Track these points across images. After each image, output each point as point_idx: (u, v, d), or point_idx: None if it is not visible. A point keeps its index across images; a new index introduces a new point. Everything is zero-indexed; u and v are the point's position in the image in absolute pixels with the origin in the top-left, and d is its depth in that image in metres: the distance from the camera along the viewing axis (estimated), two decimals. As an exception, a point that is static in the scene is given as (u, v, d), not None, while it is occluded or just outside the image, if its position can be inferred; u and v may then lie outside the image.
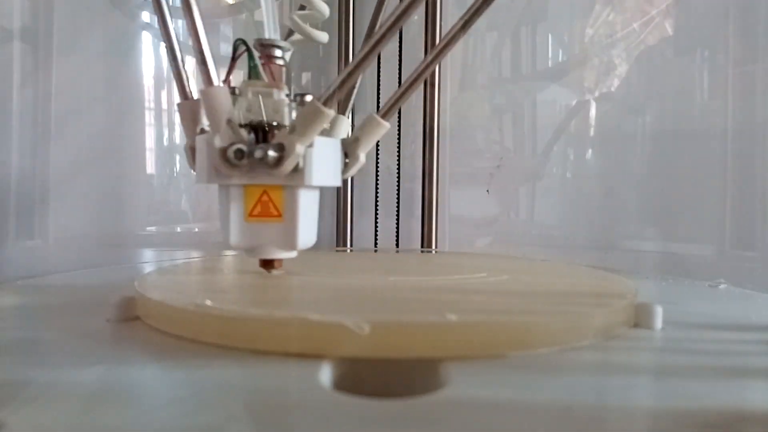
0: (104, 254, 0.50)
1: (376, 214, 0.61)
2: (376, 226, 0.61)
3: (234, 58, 0.31)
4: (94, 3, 0.51)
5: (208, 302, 0.25)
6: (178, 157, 0.58)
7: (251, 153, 0.28)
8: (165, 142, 0.56)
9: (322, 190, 0.32)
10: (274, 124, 0.29)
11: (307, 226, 0.31)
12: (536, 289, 0.32)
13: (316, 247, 0.32)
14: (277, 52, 0.31)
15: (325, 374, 0.21)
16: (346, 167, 0.33)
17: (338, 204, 0.61)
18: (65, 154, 0.47)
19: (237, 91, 0.31)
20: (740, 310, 0.34)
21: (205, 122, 0.33)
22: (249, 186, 0.30)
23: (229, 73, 0.31)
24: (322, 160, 0.30)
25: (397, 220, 0.61)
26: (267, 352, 0.23)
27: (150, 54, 0.55)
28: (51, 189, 0.46)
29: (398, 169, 0.61)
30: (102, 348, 0.25)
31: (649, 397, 0.20)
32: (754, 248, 0.47)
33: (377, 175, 0.61)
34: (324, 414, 0.18)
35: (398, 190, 0.61)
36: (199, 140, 0.30)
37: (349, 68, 0.29)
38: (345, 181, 0.60)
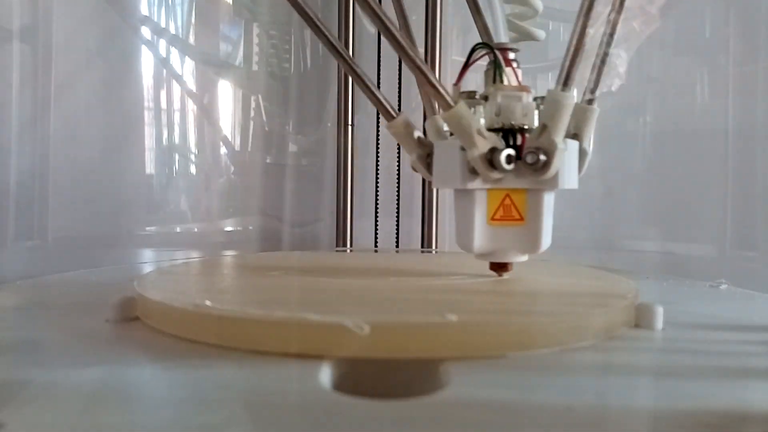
0: (103, 254, 0.50)
1: (376, 214, 0.61)
2: (376, 226, 0.61)
3: (468, 63, 0.31)
4: (94, 2, 0.51)
5: (208, 302, 0.25)
6: (177, 157, 0.58)
7: (519, 157, 0.28)
8: (164, 142, 0.56)
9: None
10: (525, 127, 0.29)
11: (548, 229, 0.31)
12: (536, 289, 0.32)
13: (315, 247, 0.32)
14: (512, 55, 0.31)
15: (325, 375, 0.21)
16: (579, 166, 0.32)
17: (338, 204, 0.61)
18: (65, 154, 0.47)
19: (477, 96, 0.30)
20: (741, 311, 0.34)
21: (417, 133, 0.33)
22: (492, 190, 0.30)
23: (460, 77, 0.31)
24: (571, 162, 0.30)
25: (397, 220, 0.61)
26: (266, 353, 0.23)
27: (149, 54, 0.55)
28: (50, 189, 0.46)
29: (398, 169, 0.61)
30: (101, 348, 0.24)
31: (650, 398, 0.20)
32: (755, 248, 0.47)
33: (377, 175, 0.61)
34: (324, 414, 0.18)
35: (398, 190, 0.61)
36: (443, 146, 0.30)
37: (572, 48, 0.28)
38: (344, 181, 0.60)
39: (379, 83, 0.60)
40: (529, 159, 0.28)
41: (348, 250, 0.59)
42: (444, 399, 0.19)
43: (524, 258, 0.31)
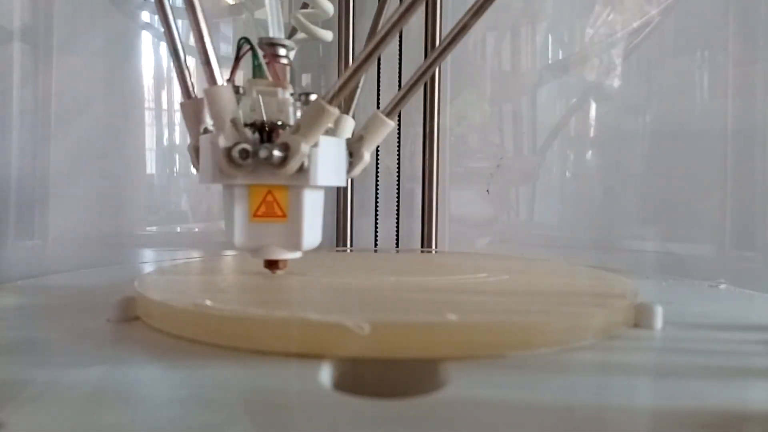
0: (104, 254, 0.50)
1: (376, 214, 0.61)
2: (376, 226, 0.61)
3: (238, 57, 0.31)
4: (94, 2, 0.51)
5: (208, 302, 0.25)
6: (177, 157, 0.58)
7: (256, 153, 0.28)
8: (165, 142, 0.56)
9: (325, 189, 0.32)
10: (279, 123, 0.29)
11: (312, 227, 0.30)
12: (536, 289, 0.32)
13: (316, 247, 0.32)
14: (282, 51, 0.31)
15: (326, 374, 0.21)
16: (350, 166, 0.33)
17: (338, 204, 0.61)
18: (65, 154, 0.47)
19: (241, 90, 0.30)
20: (740, 310, 0.34)
21: (208, 122, 0.33)
22: (253, 186, 0.29)
23: (233, 72, 0.31)
24: (327, 160, 0.29)
25: (397, 220, 0.61)
26: (267, 352, 0.23)
27: (150, 53, 0.55)
28: (51, 189, 0.46)
29: (398, 169, 0.61)
30: (102, 348, 0.25)
31: (649, 397, 0.20)
32: (754, 248, 0.47)
33: (377, 176, 0.61)
34: (324, 414, 0.18)
35: (398, 190, 0.61)
36: (203, 140, 0.30)
37: (353, 67, 0.28)
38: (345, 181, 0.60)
39: (378, 84, 0.60)
40: (262, 154, 0.28)
41: (348, 250, 0.59)
42: (444, 398, 0.19)
43: (293, 255, 0.31)
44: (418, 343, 0.22)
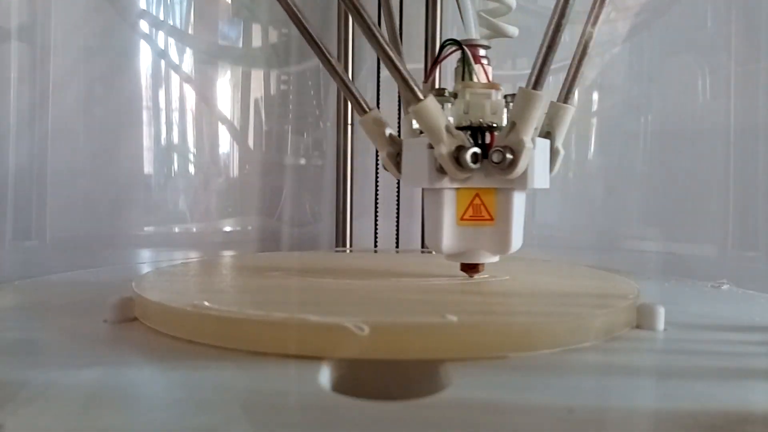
0: (102, 255, 0.50)
1: (376, 214, 0.61)
2: (375, 226, 0.61)
3: (438, 60, 0.30)
4: (92, 1, 0.50)
5: (206, 303, 0.25)
6: (176, 157, 0.58)
7: (485, 156, 0.28)
8: (163, 142, 0.56)
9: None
10: (494, 125, 0.29)
11: (518, 230, 0.30)
12: (537, 290, 0.32)
13: (315, 248, 0.32)
14: (482, 52, 0.31)
15: (325, 376, 0.21)
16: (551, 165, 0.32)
17: (338, 204, 0.61)
18: (62, 154, 0.47)
19: (446, 93, 0.30)
20: (743, 311, 0.34)
21: (389, 131, 0.33)
22: (461, 190, 0.29)
23: (430, 74, 0.31)
24: (541, 161, 0.29)
25: (397, 220, 0.61)
26: (266, 354, 0.22)
27: (147, 53, 0.55)
28: (48, 189, 0.46)
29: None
30: (100, 349, 0.24)
31: (651, 399, 0.20)
32: (757, 248, 0.47)
33: (377, 176, 0.61)
34: (323, 416, 0.18)
35: (398, 190, 0.61)
36: (414, 144, 0.30)
37: (546, 46, 0.28)
38: (344, 181, 0.60)
39: (378, 85, 0.60)
40: (495, 157, 0.27)
41: (348, 251, 0.59)
42: (444, 400, 0.19)
43: (495, 259, 0.31)
44: (418, 344, 0.22)
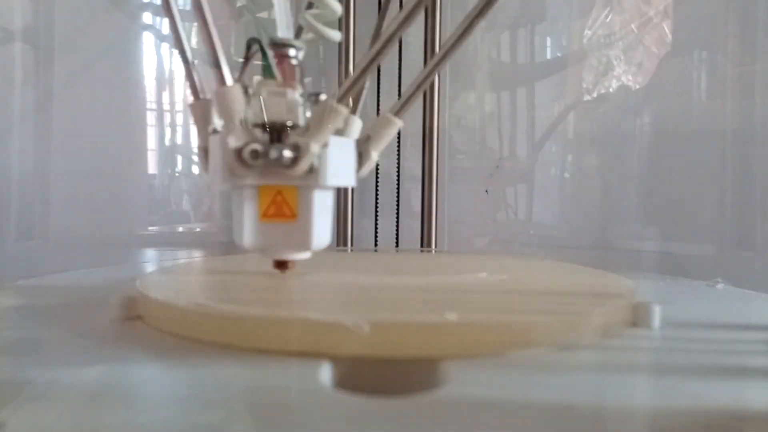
0: (105, 254, 0.50)
1: (376, 213, 0.61)
2: (375, 226, 0.62)
3: (247, 58, 0.30)
4: (95, 3, 0.51)
5: (210, 302, 0.25)
6: (179, 157, 0.58)
7: (266, 153, 0.28)
8: (166, 142, 0.56)
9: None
10: (289, 124, 0.29)
11: (322, 227, 0.30)
12: (535, 289, 0.32)
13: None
14: (291, 52, 0.31)
15: (326, 373, 0.21)
16: (359, 167, 0.32)
17: (338, 204, 0.61)
18: (66, 154, 0.48)
19: (250, 91, 0.30)
20: (739, 310, 0.34)
21: (217, 123, 0.32)
22: (263, 186, 0.29)
23: (241, 72, 0.31)
24: (337, 160, 0.29)
25: (397, 219, 0.62)
26: (268, 352, 0.23)
27: (151, 54, 0.56)
28: (52, 189, 0.46)
29: (398, 169, 0.61)
30: (103, 347, 0.25)
31: (648, 397, 0.20)
32: (753, 248, 0.47)
33: (377, 175, 0.61)
34: (324, 413, 0.18)
35: (398, 190, 0.61)
36: (213, 141, 0.30)
37: (362, 66, 0.28)
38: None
39: (379, 85, 0.61)
40: (273, 154, 0.28)
41: (348, 250, 0.59)
42: (443, 397, 0.19)
43: (302, 256, 0.31)
44: (418, 342, 0.22)
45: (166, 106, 0.56)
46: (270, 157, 0.28)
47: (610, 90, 0.56)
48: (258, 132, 0.29)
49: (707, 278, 0.40)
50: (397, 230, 0.62)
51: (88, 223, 0.49)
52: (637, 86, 0.56)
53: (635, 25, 0.54)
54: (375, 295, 0.29)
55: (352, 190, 0.61)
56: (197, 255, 0.57)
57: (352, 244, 0.61)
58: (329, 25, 0.35)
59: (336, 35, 0.36)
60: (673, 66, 0.52)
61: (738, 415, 0.19)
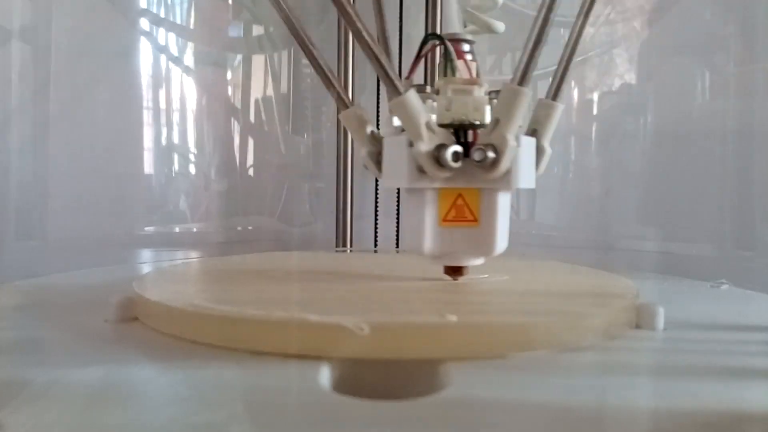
0: (103, 254, 0.50)
1: (376, 214, 0.61)
2: (375, 226, 0.61)
3: (420, 55, 0.29)
4: (93, 2, 0.51)
5: (207, 303, 0.25)
6: (176, 157, 0.58)
7: (466, 155, 0.27)
8: (164, 142, 0.56)
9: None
10: (476, 123, 0.28)
11: (503, 231, 0.29)
12: (537, 290, 0.32)
13: (315, 248, 0.32)
14: (466, 47, 0.30)
15: (325, 375, 0.21)
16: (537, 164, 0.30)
17: (338, 204, 0.61)
18: (64, 154, 0.47)
19: (427, 89, 0.29)
20: (742, 311, 0.34)
21: (371, 128, 0.31)
22: (444, 189, 0.28)
23: (412, 70, 0.30)
24: (526, 160, 0.28)
25: (397, 220, 0.61)
26: (266, 353, 0.23)
27: (148, 53, 0.55)
28: (50, 189, 0.46)
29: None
30: (101, 348, 0.24)
31: (651, 398, 0.20)
32: (755, 248, 0.47)
33: (377, 176, 0.61)
34: (323, 415, 0.18)
35: (398, 190, 0.61)
36: (395, 142, 0.28)
37: (533, 42, 0.27)
38: (344, 181, 0.60)
39: (378, 86, 0.60)
40: (477, 156, 0.26)
41: (348, 251, 0.59)
42: (444, 399, 0.19)
43: (479, 261, 0.30)
44: (418, 343, 0.22)
45: (162, 105, 0.56)
46: (474, 158, 0.26)
47: (612, 89, 0.56)
48: (443, 132, 0.27)
49: (709, 278, 0.40)
50: (398, 230, 0.61)
51: (87, 224, 0.49)
52: (639, 84, 0.55)
53: (637, 24, 0.54)
54: (375, 296, 0.29)
55: (352, 189, 0.61)
56: (195, 256, 0.57)
57: (351, 245, 0.61)
58: (491, 16, 0.33)
59: (501, 26, 0.34)
60: (674, 65, 0.52)
61: (741, 417, 0.18)
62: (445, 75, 0.29)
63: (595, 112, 0.58)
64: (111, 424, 0.17)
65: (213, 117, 0.60)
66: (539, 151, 0.30)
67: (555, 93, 0.30)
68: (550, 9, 0.27)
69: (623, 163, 0.56)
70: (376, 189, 0.61)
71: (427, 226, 0.28)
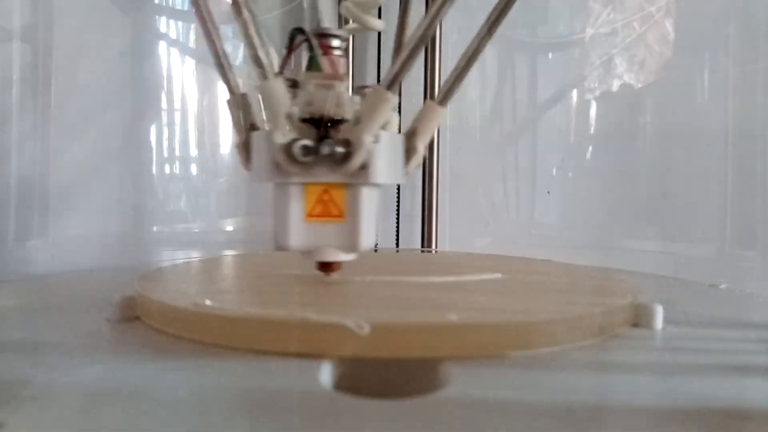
0: (104, 254, 0.50)
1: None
2: (375, 226, 0.61)
3: (290, 49, 0.29)
4: (95, 2, 0.51)
5: (208, 302, 0.25)
6: (178, 157, 0.58)
7: (317, 149, 0.27)
8: (165, 142, 0.56)
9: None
10: (337, 118, 0.28)
11: (369, 227, 0.29)
12: (536, 289, 0.32)
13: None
14: (335, 42, 0.30)
15: (326, 374, 0.21)
16: (406, 162, 0.31)
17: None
18: (65, 154, 0.47)
19: (297, 84, 0.29)
20: (740, 310, 0.34)
21: (255, 119, 0.31)
22: (309, 184, 0.28)
23: (284, 64, 0.29)
24: (387, 156, 0.28)
25: (397, 220, 0.61)
26: (267, 352, 0.23)
27: (151, 53, 0.55)
28: (51, 189, 0.46)
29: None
30: (102, 348, 0.25)
31: (650, 397, 0.20)
32: (755, 248, 0.47)
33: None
34: (324, 414, 0.18)
35: (398, 189, 0.61)
36: (257, 136, 0.28)
37: (407, 51, 0.27)
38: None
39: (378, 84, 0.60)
40: (325, 150, 0.26)
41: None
42: (444, 398, 0.19)
43: (349, 257, 0.30)
44: (419, 343, 0.22)
45: (164, 105, 0.56)
46: (321, 153, 0.26)
47: (612, 89, 0.56)
48: (305, 127, 0.27)
49: (709, 278, 0.40)
50: (398, 230, 0.62)
51: (87, 224, 0.49)
52: (639, 85, 0.56)
53: (637, 23, 0.54)
54: (375, 295, 0.29)
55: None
56: (196, 255, 0.57)
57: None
58: (371, 14, 0.33)
59: (379, 24, 0.34)
60: (675, 65, 0.52)
61: (739, 415, 0.18)
62: (310, 69, 0.29)
63: (594, 111, 0.58)
64: (111, 424, 0.17)
65: (215, 116, 0.60)
66: (412, 150, 0.30)
67: (443, 97, 0.31)
68: (429, 26, 0.27)
69: (624, 162, 0.56)
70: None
71: (291, 221, 0.28)
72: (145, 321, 0.27)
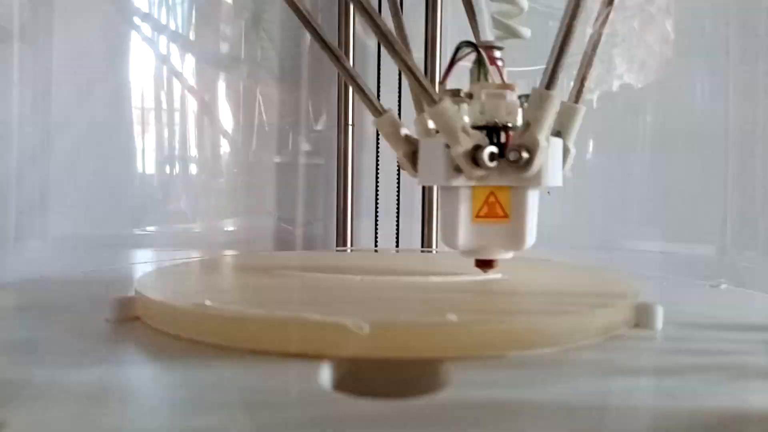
0: (103, 254, 0.50)
1: (376, 213, 0.61)
2: (376, 226, 0.61)
3: (454, 61, 0.31)
4: (94, 3, 0.51)
5: (208, 302, 0.25)
6: (177, 157, 0.58)
7: (502, 155, 0.28)
8: (165, 142, 0.56)
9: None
10: (509, 125, 0.29)
11: (533, 226, 0.31)
12: (537, 289, 0.32)
13: (316, 247, 0.32)
14: (497, 53, 0.31)
15: (325, 374, 0.21)
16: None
17: (338, 204, 0.61)
18: (64, 154, 0.47)
19: (462, 94, 0.30)
20: (741, 310, 0.34)
21: (404, 131, 0.33)
22: (476, 188, 0.30)
23: (445, 76, 0.31)
24: (555, 160, 0.30)
25: (397, 220, 0.61)
26: (267, 352, 0.23)
27: (149, 54, 0.55)
28: (50, 189, 0.46)
29: (398, 169, 0.61)
30: (102, 348, 0.25)
31: (650, 397, 0.20)
32: (755, 248, 0.47)
33: (377, 176, 0.61)
34: (324, 414, 0.18)
35: (398, 189, 0.61)
36: (431, 144, 0.30)
37: (558, 46, 0.28)
38: (344, 181, 0.60)
39: (379, 84, 0.60)
40: (512, 156, 0.28)
41: (348, 250, 0.59)
42: (444, 399, 0.19)
43: (509, 255, 0.31)
44: (419, 343, 0.22)
45: (164, 106, 0.56)
46: (509, 158, 0.28)
47: (613, 89, 0.56)
48: (478, 134, 0.29)
49: (709, 278, 0.40)
50: (398, 230, 0.62)
51: (87, 223, 0.49)
52: (640, 85, 0.56)
53: (637, 24, 0.54)
54: (375, 295, 0.29)
55: (353, 189, 0.61)
56: (195, 255, 0.57)
57: (352, 245, 0.61)
58: (517, 22, 0.35)
59: (527, 32, 0.35)
60: (675, 65, 0.52)
61: (740, 416, 0.18)
62: (479, 80, 0.30)
63: (594, 112, 0.58)
64: (111, 424, 0.17)
65: (214, 116, 0.60)
66: (564, 151, 0.32)
67: (577, 95, 0.32)
68: (573, 15, 0.28)
69: (624, 162, 0.56)
70: (377, 188, 0.61)
71: (460, 222, 0.30)
72: (144, 321, 0.27)
